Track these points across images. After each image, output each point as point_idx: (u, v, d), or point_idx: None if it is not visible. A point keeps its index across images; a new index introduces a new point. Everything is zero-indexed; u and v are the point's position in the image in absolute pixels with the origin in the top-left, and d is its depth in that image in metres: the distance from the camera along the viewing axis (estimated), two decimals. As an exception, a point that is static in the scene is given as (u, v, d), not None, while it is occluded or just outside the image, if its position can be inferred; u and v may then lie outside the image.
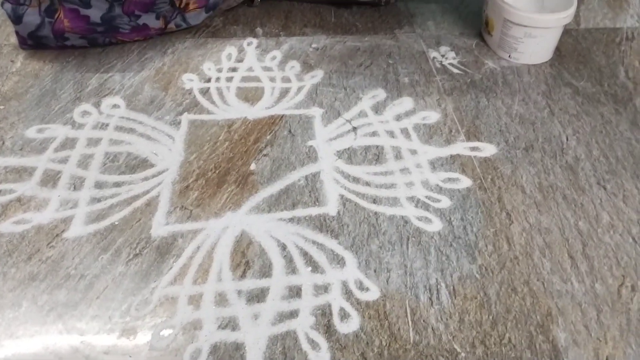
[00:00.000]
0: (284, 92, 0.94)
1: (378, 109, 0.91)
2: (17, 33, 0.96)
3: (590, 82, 0.98)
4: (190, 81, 0.95)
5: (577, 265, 0.70)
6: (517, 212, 0.76)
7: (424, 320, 0.64)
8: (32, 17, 0.93)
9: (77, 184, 0.77)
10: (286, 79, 0.96)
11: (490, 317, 0.64)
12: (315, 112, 0.90)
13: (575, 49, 1.06)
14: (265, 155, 0.82)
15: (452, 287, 0.67)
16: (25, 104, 0.89)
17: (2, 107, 0.88)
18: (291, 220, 0.74)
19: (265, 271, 0.68)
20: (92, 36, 0.96)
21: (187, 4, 1.00)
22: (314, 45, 1.04)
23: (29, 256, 0.69)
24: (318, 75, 0.97)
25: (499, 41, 1.02)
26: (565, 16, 0.96)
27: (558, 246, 0.72)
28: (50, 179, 0.78)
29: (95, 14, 0.92)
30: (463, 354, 0.61)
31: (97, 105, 0.89)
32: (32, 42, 0.96)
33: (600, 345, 0.62)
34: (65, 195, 0.76)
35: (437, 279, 0.68)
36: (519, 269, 0.69)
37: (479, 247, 0.71)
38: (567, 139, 0.87)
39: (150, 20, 0.98)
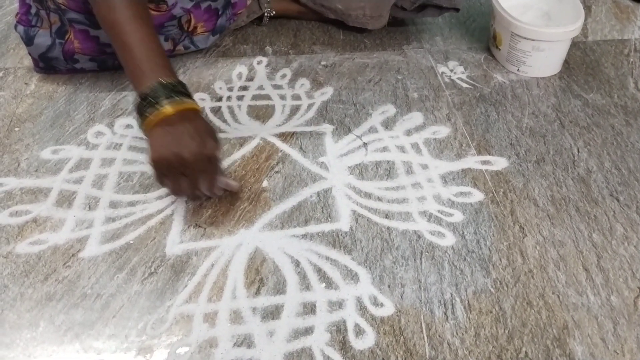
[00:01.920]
0: (295, 110, 0.95)
1: (388, 124, 0.92)
2: (31, 56, 0.98)
3: (600, 94, 0.98)
4: (202, 100, 0.96)
5: (592, 277, 0.70)
6: (530, 225, 0.76)
7: (439, 336, 0.64)
8: (43, 38, 0.94)
9: (92, 204, 0.78)
10: (296, 97, 0.97)
11: (506, 332, 0.64)
12: (326, 128, 0.91)
13: (583, 61, 1.07)
14: (277, 172, 0.83)
15: (467, 302, 0.67)
16: (40, 126, 0.90)
17: (17, 129, 0.90)
18: (304, 236, 0.74)
19: (280, 288, 0.68)
20: (102, 58, 0.97)
21: (195, 28, 1.01)
22: (323, 63, 1.05)
23: (46, 276, 0.69)
24: (328, 92, 0.98)
25: (507, 55, 1.03)
26: (572, 29, 0.97)
27: (572, 259, 0.72)
28: (66, 200, 0.79)
29: (104, 34, 0.93)
30: (480, 369, 0.61)
31: (110, 125, 0.91)
32: (43, 65, 0.97)
33: (617, 358, 0.62)
34: (81, 216, 0.76)
35: (451, 294, 0.68)
36: (533, 282, 0.69)
37: (493, 261, 0.71)
38: (578, 151, 0.87)
39: None
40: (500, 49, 1.04)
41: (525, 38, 0.98)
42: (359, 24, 1.09)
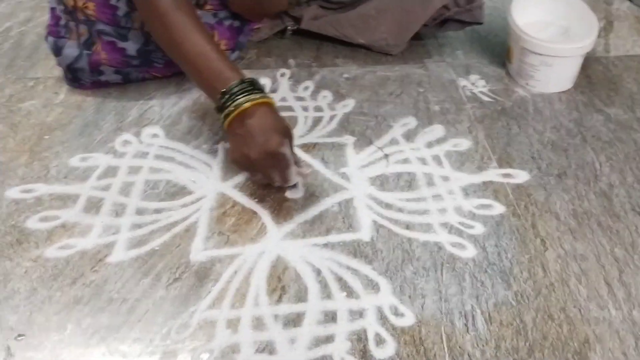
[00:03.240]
0: (317, 121, 0.96)
1: (409, 136, 0.93)
2: (60, 66, 1.00)
3: (622, 109, 0.98)
4: (226, 111, 0.97)
5: (614, 292, 0.70)
6: (551, 239, 0.76)
7: (459, 347, 0.64)
8: (71, 49, 0.97)
9: (119, 210, 0.80)
10: (318, 108, 0.99)
11: (527, 344, 0.64)
12: (348, 140, 0.92)
13: (605, 76, 1.07)
14: (299, 182, 0.84)
15: (487, 314, 0.67)
16: (69, 134, 0.93)
17: (47, 137, 0.92)
18: (325, 245, 0.75)
19: (301, 296, 0.69)
20: (127, 70, 0.99)
21: (218, 45, 1.03)
22: (345, 75, 1.06)
23: (74, 280, 0.71)
24: (350, 104, 1.00)
25: (518, 69, 1.03)
26: (581, 46, 0.97)
27: (594, 273, 0.72)
28: (93, 206, 0.80)
29: (131, 47, 0.96)
30: (500, 381, 0.61)
31: (137, 134, 0.93)
32: (70, 76, 1.00)
33: (640, 373, 0.62)
34: (108, 222, 0.78)
35: (472, 305, 0.68)
36: (555, 295, 0.69)
37: (514, 274, 0.72)
38: (600, 166, 0.87)
39: None
40: (512, 63, 1.05)
41: (533, 52, 0.98)
42: (383, 51, 1.11)
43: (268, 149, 0.73)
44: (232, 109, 0.75)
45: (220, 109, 0.77)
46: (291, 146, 0.77)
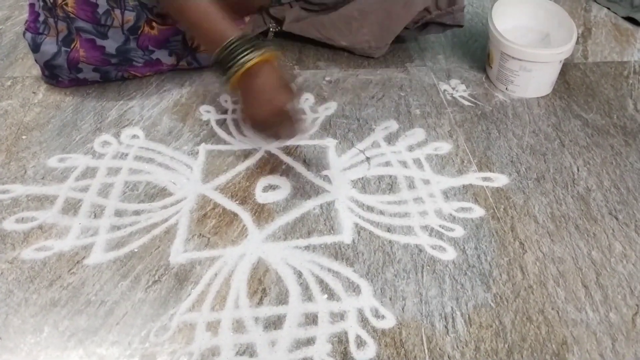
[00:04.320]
0: (299, 123, 0.96)
1: (391, 139, 0.93)
2: (37, 63, 0.99)
3: (600, 115, 1.00)
4: (207, 113, 0.97)
5: (591, 294, 0.71)
6: (530, 242, 0.77)
7: (440, 349, 0.64)
8: (49, 46, 0.95)
9: (97, 212, 0.79)
10: (300, 111, 0.99)
11: (506, 346, 0.65)
12: (329, 142, 0.92)
13: (583, 82, 1.08)
14: (280, 184, 0.84)
15: (467, 316, 0.68)
16: (47, 134, 0.91)
17: (24, 137, 0.91)
18: (307, 248, 0.75)
19: (282, 298, 0.69)
20: (106, 69, 0.98)
21: (199, 45, 1.03)
22: (327, 78, 1.07)
23: (51, 282, 0.70)
24: (332, 107, 1.00)
25: (497, 74, 1.05)
26: (560, 52, 0.98)
27: (572, 275, 0.73)
28: (71, 207, 0.79)
29: (110, 45, 0.95)
30: (479, 382, 0.61)
31: (117, 135, 0.92)
32: (48, 73, 0.99)
33: (616, 374, 0.62)
34: (86, 223, 0.77)
35: (452, 307, 0.68)
36: (533, 297, 0.70)
37: (494, 276, 0.72)
38: (578, 170, 0.88)
39: (163, 56, 1.01)
40: (492, 68, 1.06)
41: (513, 58, 1.00)
42: (365, 54, 1.12)
43: (275, 107, 0.75)
44: (235, 69, 0.75)
45: (221, 65, 0.76)
46: (296, 99, 0.78)
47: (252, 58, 0.74)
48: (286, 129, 0.78)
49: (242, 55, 0.74)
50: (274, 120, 0.77)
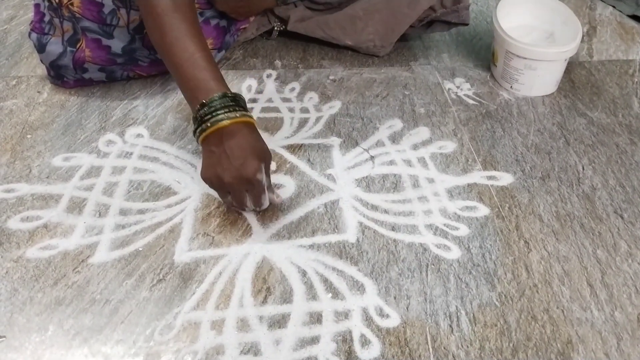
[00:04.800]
0: (303, 122, 0.96)
1: (395, 138, 0.93)
2: (43, 63, 0.99)
3: (605, 113, 1.00)
4: (211, 111, 0.97)
5: (597, 293, 0.70)
6: (535, 241, 0.77)
7: (444, 348, 0.64)
8: (55, 46, 0.96)
9: (102, 211, 0.79)
10: (305, 110, 0.99)
11: (511, 345, 0.65)
12: (334, 141, 0.92)
13: (588, 80, 1.08)
14: (285, 183, 0.84)
15: (472, 315, 0.67)
16: (52, 133, 0.92)
17: (29, 136, 0.91)
18: (311, 247, 0.75)
19: (286, 297, 0.69)
20: (111, 68, 0.98)
21: (209, 54, 1.03)
22: (331, 77, 1.07)
23: (55, 281, 0.70)
24: (336, 106, 1.00)
25: (502, 72, 1.04)
26: (565, 50, 0.98)
27: (577, 274, 0.73)
28: (76, 206, 0.80)
29: (116, 44, 0.95)
30: (484, 381, 0.61)
31: (121, 134, 0.92)
32: (53, 73, 0.99)
33: (622, 373, 0.62)
34: (91, 222, 0.77)
35: (457, 306, 0.68)
36: (538, 296, 0.70)
37: (498, 275, 0.72)
38: (583, 169, 0.88)
39: None
40: (496, 66, 1.06)
41: (518, 56, 0.99)
42: (370, 53, 1.12)
43: (243, 174, 0.70)
44: (209, 125, 0.71)
45: (197, 120, 0.73)
46: (267, 171, 0.74)
47: (229, 117, 0.71)
48: (252, 199, 0.74)
49: (220, 113, 0.71)
50: (240, 187, 0.72)
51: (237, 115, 0.72)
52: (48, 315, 0.66)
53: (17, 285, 0.69)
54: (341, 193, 0.83)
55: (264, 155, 0.73)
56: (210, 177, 0.73)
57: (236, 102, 0.73)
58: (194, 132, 0.74)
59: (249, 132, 0.73)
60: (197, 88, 0.74)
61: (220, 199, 0.79)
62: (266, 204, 0.76)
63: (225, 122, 0.71)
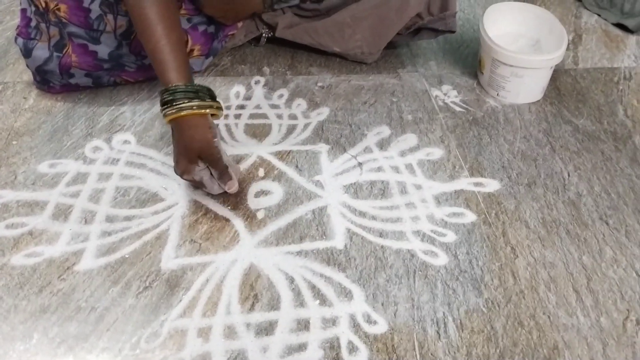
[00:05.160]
0: (291, 129, 0.96)
1: (383, 145, 0.93)
2: (29, 68, 0.98)
3: (590, 120, 1.01)
4: (199, 118, 0.97)
5: (582, 299, 0.71)
6: (521, 247, 0.77)
7: (431, 354, 0.64)
8: (41, 51, 0.95)
9: (88, 217, 0.78)
10: (293, 116, 0.99)
11: (498, 351, 0.65)
12: (322, 148, 0.92)
13: (574, 88, 1.09)
14: (273, 189, 0.84)
15: (459, 321, 0.68)
16: (38, 140, 0.91)
17: (14, 142, 0.90)
18: (299, 253, 0.75)
19: (274, 304, 0.69)
20: (97, 74, 0.98)
21: (192, 50, 1.03)
22: (319, 84, 1.07)
23: (40, 289, 0.69)
24: (324, 112, 1.00)
25: (489, 79, 1.05)
26: (551, 58, 0.99)
27: (563, 280, 0.73)
28: (62, 213, 0.79)
29: (103, 50, 0.95)
30: (471, 388, 0.61)
31: (108, 141, 0.91)
32: (39, 78, 0.98)
33: (607, 379, 0.63)
34: (77, 229, 0.77)
35: (444, 313, 0.68)
36: (525, 302, 0.70)
37: (485, 281, 0.72)
38: (568, 175, 0.89)
39: None
40: (483, 74, 1.06)
41: (504, 64, 1.00)
42: (357, 60, 1.12)
43: (178, 171, 0.78)
44: (170, 111, 0.76)
45: (161, 101, 0.78)
46: (214, 158, 0.78)
47: (184, 108, 0.76)
48: (208, 184, 0.80)
49: (180, 101, 0.76)
50: (193, 172, 0.78)
51: (193, 104, 0.77)
52: (33, 323, 0.66)
53: (1, 293, 0.69)
54: (329, 199, 0.83)
55: (199, 150, 0.77)
56: (175, 158, 0.79)
57: (197, 92, 0.78)
58: (162, 113, 0.78)
59: (202, 124, 0.77)
60: (161, 75, 0.79)
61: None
62: (216, 190, 0.81)
63: (173, 116, 0.76)
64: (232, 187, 0.80)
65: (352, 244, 0.77)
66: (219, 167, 0.79)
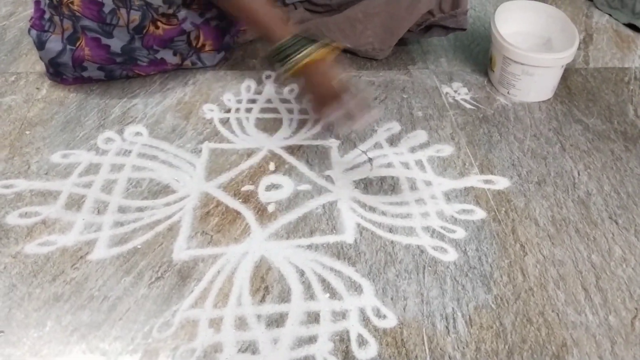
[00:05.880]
0: (302, 124, 0.96)
1: (393, 141, 0.94)
2: (42, 60, 0.99)
3: (600, 120, 1.01)
4: (210, 111, 0.97)
5: (591, 297, 0.71)
6: (531, 244, 0.77)
7: (440, 349, 0.65)
8: (54, 43, 0.96)
9: (100, 208, 0.79)
10: (304, 111, 0.99)
11: (506, 347, 0.65)
12: (332, 143, 0.92)
13: (584, 87, 1.09)
14: (283, 183, 0.84)
15: (468, 317, 0.68)
16: (51, 130, 0.92)
17: (28, 132, 0.91)
18: (309, 247, 0.76)
19: (284, 296, 0.69)
20: (110, 67, 0.99)
21: (204, 45, 1.03)
22: (330, 79, 1.07)
23: (54, 277, 0.70)
24: (334, 107, 1.00)
25: (499, 77, 1.05)
26: (562, 57, 0.99)
27: (572, 278, 0.73)
28: (75, 203, 0.80)
29: (116, 44, 0.95)
30: (480, 382, 0.62)
31: (120, 132, 0.92)
32: (52, 70, 0.99)
33: (615, 376, 0.63)
34: (89, 219, 0.77)
35: (453, 308, 0.69)
36: (533, 299, 0.70)
37: (494, 278, 0.73)
38: (578, 174, 0.89)
39: (167, 56, 1.01)
40: (494, 72, 1.06)
41: (515, 62, 1.00)
42: (369, 56, 1.12)
43: (331, 96, 0.82)
44: (290, 65, 0.81)
45: (277, 59, 0.83)
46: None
47: (304, 57, 0.81)
48: (355, 106, 0.82)
49: (295, 53, 0.81)
50: (336, 102, 0.82)
51: (312, 49, 0.82)
52: (46, 311, 0.66)
53: (15, 281, 0.69)
54: (339, 194, 0.83)
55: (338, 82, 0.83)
56: (313, 101, 0.88)
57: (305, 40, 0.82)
58: (283, 70, 0.83)
59: (326, 65, 0.83)
60: (273, 35, 0.84)
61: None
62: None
63: (304, 60, 0.81)
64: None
65: (362, 238, 0.77)
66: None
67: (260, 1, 0.86)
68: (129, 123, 0.94)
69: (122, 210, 0.79)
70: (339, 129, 0.89)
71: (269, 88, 1.04)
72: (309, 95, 0.89)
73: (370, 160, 0.90)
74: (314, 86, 0.84)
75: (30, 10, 0.99)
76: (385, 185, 0.85)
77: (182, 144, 0.90)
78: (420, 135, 0.95)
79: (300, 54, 0.81)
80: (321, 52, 0.82)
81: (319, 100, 0.85)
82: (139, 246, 0.74)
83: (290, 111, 0.99)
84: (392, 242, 0.77)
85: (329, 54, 0.83)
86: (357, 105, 0.82)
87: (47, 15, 0.96)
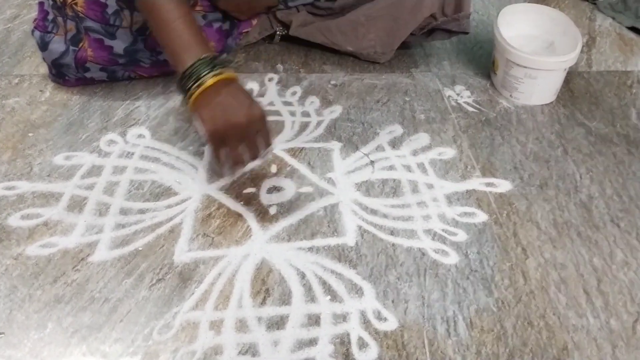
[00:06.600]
0: (304, 126, 0.96)
1: (395, 144, 0.94)
2: (45, 61, 0.99)
3: (603, 123, 1.00)
4: (213, 113, 0.97)
5: (592, 300, 0.71)
6: (532, 248, 0.77)
7: (441, 352, 0.65)
8: (57, 44, 0.96)
9: (102, 210, 0.79)
10: (306, 114, 0.99)
11: (507, 350, 0.65)
12: (334, 145, 0.93)
13: (587, 90, 1.09)
14: (285, 186, 0.84)
15: (469, 320, 0.68)
16: (54, 132, 0.92)
17: (31, 134, 0.92)
18: (310, 249, 0.76)
19: (285, 299, 0.69)
20: (113, 68, 0.99)
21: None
22: (332, 82, 1.07)
23: (55, 279, 0.70)
24: (337, 110, 1.00)
25: (502, 80, 1.05)
26: (565, 60, 0.99)
27: (573, 282, 0.73)
28: (77, 205, 0.80)
29: (119, 45, 0.95)
30: (480, 386, 0.62)
31: (123, 134, 0.92)
32: (55, 71, 0.99)
33: (617, 380, 0.63)
34: (91, 221, 0.78)
35: (454, 311, 0.69)
36: (535, 303, 0.70)
37: (495, 281, 0.73)
38: (580, 178, 0.89)
39: None
40: (497, 74, 1.06)
41: (518, 65, 1.00)
42: (371, 59, 1.13)
43: (255, 112, 0.73)
44: (193, 90, 0.72)
45: (188, 78, 0.74)
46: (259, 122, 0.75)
47: (208, 79, 0.72)
48: (264, 137, 0.76)
49: (201, 76, 0.73)
50: (249, 129, 0.73)
51: (217, 72, 0.73)
52: (47, 313, 0.67)
53: (16, 283, 0.70)
54: (341, 197, 0.83)
55: (250, 106, 0.74)
56: (222, 126, 0.72)
57: (215, 62, 0.74)
58: (186, 97, 0.74)
59: (238, 84, 0.75)
60: (181, 60, 0.75)
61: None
62: (267, 151, 0.77)
63: (211, 81, 0.72)
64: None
65: (364, 241, 0.77)
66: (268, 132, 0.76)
67: (181, 10, 0.77)
68: (131, 125, 0.94)
69: (123, 212, 0.79)
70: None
71: (272, 91, 1.04)
72: (228, 106, 0.74)
73: (372, 162, 0.90)
74: (236, 93, 0.74)
75: (34, 13, 0.99)
76: (387, 188, 0.85)
77: (185, 147, 0.91)
78: (423, 138, 0.95)
79: (195, 84, 0.73)
80: (211, 80, 0.73)
81: (246, 105, 0.74)
82: (140, 248, 0.74)
83: (292, 114, 0.99)
84: (393, 244, 0.77)
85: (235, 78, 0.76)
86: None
87: (50, 17, 0.97)
